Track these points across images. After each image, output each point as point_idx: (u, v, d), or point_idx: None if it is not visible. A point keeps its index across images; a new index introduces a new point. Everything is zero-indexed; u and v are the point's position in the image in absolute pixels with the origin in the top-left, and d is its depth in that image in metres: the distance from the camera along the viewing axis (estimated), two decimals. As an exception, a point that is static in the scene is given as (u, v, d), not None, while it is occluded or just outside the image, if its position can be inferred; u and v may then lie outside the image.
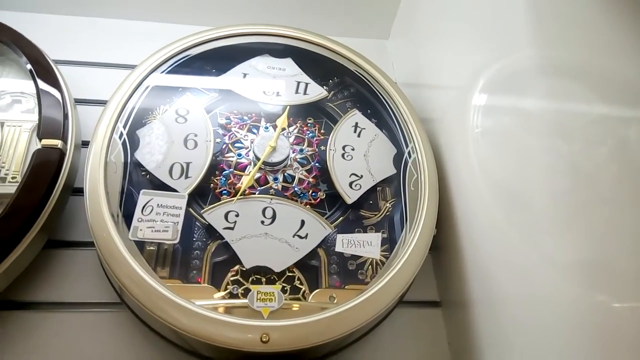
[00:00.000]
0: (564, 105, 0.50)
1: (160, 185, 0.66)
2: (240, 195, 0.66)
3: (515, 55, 0.57)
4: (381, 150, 0.76)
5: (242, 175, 0.70)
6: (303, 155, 0.74)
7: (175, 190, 0.65)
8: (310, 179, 0.71)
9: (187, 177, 0.67)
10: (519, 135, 0.57)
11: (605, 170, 0.44)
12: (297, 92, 0.81)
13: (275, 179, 0.70)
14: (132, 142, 0.68)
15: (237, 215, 0.64)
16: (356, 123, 0.78)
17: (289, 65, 0.83)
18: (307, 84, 0.82)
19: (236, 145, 0.74)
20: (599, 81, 0.45)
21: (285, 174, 0.71)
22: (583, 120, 0.47)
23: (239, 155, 0.73)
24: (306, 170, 0.73)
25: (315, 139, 0.77)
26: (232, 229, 0.64)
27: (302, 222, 0.66)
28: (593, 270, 0.44)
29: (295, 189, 0.70)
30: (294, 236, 0.65)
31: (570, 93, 0.49)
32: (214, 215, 0.64)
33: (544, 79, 0.53)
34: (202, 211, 0.65)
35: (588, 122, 0.47)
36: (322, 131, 0.78)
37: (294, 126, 0.78)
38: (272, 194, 0.68)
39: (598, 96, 0.46)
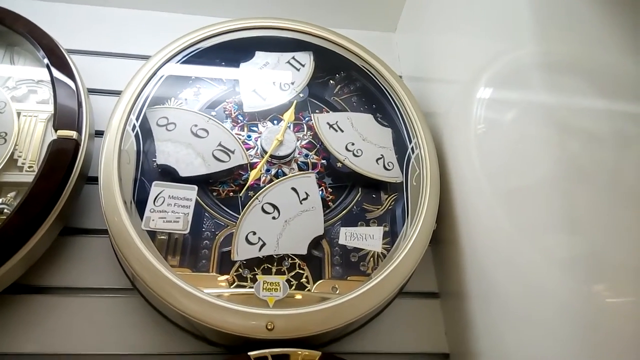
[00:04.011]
0: (566, 102, 0.50)
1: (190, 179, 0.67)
2: (246, 189, 0.69)
3: (519, 50, 0.58)
4: (365, 124, 0.79)
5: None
6: (306, 161, 0.75)
7: (246, 167, 0.70)
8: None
9: (234, 152, 0.70)
10: (520, 130, 0.57)
11: (604, 166, 0.45)
12: (297, 69, 0.82)
13: (268, 170, 0.72)
14: (144, 132, 0.70)
15: (254, 233, 0.65)
16: (327, 123, 0.78)
17: (270, 57, 0.83)
18: (293, 57, 0.83)
19: (252, 128, 0.76)
20: (602, 77, 0.46)
21: (279, 170, 0.72)
22: (585, 116, 0.48)
23: (249, 136, 0.75)
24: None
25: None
26: (264, 244, 0.64)
27: (295, 190, 0.69)
28: (589, 265, 0.46)
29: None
30: (301, 202, 0.68)
31: (572, 89, 0.50)
32: (241, 251, 0.63)
33: (546, 74, 0.53)
34: (233, 258, 0.63)
35: (590, 118, 0.47)
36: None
37: (312, 132, 0.78)
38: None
39: (600, 92, 0.46)
